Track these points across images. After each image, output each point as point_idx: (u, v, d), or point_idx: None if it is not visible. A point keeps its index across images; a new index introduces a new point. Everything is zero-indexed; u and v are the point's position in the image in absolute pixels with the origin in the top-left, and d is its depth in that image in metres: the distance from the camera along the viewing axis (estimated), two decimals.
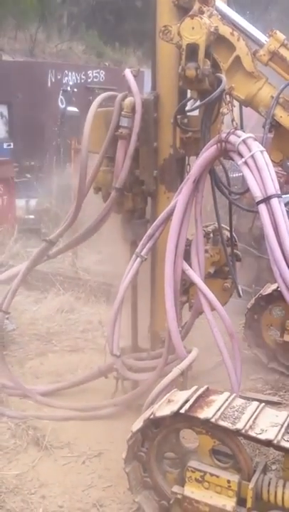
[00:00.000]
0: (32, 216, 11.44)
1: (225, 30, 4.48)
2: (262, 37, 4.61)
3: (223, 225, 4.99)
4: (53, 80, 14.47)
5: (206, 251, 4.94)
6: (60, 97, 14.38)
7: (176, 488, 3.57)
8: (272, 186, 4.05)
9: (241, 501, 3.35)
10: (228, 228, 5.12)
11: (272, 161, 4.25)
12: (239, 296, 5.22)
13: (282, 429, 3.29)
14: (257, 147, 4.16)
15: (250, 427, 3.29)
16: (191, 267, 4.57)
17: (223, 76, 4.40)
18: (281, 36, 4.49)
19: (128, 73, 4.88)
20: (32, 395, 5.36)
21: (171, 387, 4.08)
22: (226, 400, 3.54)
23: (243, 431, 3.25)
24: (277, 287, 5.54)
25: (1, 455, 4.57)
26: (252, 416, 3.39)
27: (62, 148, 12.82)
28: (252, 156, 4.12)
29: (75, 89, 14.65)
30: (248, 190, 4.26)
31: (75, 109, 13.81)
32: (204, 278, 4.68)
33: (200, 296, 4.55)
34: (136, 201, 5.10)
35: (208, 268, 4.97)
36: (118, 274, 5.00)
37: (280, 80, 4.55)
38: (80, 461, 4.54)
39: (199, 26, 4.18)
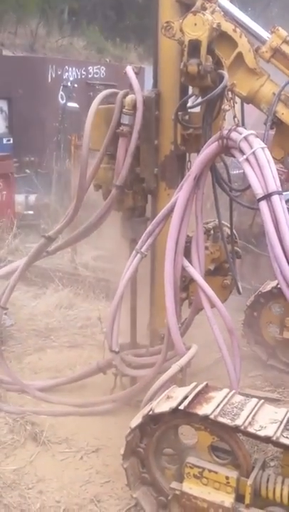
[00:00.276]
0: (31, 212, 11.41)
1: (227, 27, 4.48)
2: (264, 33, 4.62)
3: (223, 222, 4.98)
4: (54, 76, 14.42)
5: (206, 248, 4.94)
6: (61, 92, 14.34)
7: (174, 484, 3.57)
8: (274, 183, 4.05)
9: (240, 497, 3.35)
10: (229, 225, 5.12)
11: (273, 158, 4.25)
12: (239, 293, 5.22)
13: (282, 426, 3.28)
14: (258, 144, 4.15)
15: (250, 423, 3.29)
16: (191, 264, 4.57)
17: (225, 73, 4.40)
18: (283, 33, 4.49)
19: (129, 70, 4.87)
20: (30, 391, 5.36)
21: (170, 383, 4.08)
22: (225, 396, 3.55)
23: (242, 427, 3.25)
24: (277, 284, 5.55)
25: None
26: (251, 412, 3.39)
27: (63, 144, 12.79)
28: (253, 153, 4.12)
29: (76, 85, 14.60)
30: (249, 187, 4.26)
31: (75, 105, 13.76)
32: (204, 275, 4.67)
33: (200, 293, 4.55)
34: (136, 199, 5.09)
35: (208, 265, 4.97)
36: (117, 271, 5.00)
37: (282, 77, 4.55)
38: (78, 456, 4.54)
39: (202, 23, 4.17)
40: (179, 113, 4.69)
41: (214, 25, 4.24)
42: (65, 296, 7.71)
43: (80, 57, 20.59)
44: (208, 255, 4.97)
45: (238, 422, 3.28)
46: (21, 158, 12.98)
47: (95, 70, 15.55)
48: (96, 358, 5.65)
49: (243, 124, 4.57)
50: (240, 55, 4.54)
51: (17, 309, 7.29)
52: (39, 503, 4.01)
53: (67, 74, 14.74)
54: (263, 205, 4.05)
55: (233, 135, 4.22)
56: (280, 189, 4.08)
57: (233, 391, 3.67)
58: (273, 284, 5.86)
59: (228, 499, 3.36)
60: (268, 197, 4.04)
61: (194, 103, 4.67)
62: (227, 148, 4.32)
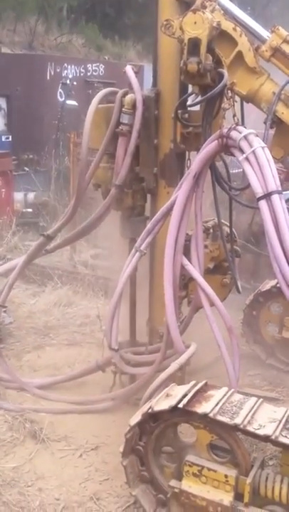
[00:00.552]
0: (30, 209, 11.41)
1: (227, 26, 4.48)
2: (264, 33, 4.62)
3: (222, 221, 4.98)
4: (52, 73, 14.41)
5: (206, 246, 4.95)
6: (60, 90, 14.33)
7: (173, 483, 3.58)
8: (273, 182, 4.05)
9: (239, 496, 3.36)
10: (228, 224, 5.12)
11: (273, 157, 4.25)
12: (238, 292, 5.22)
13: (281, 425, 3.29)
14: (258, 143, 4.15)
15: (249, 422, 3.30)
16: (190, 262, 4.57)
17: (224, 71, 4.40)
18: (284, 32, 4.49)
19: (129, 70, 4.86)
20: (29, 388, 5.37)
21: (170, 381, 4.08)
22: (225, 395, 3.55)
23: (241, 426, 3.26)
24: (276, 284, 5.56)
25: None
26: (250, 411, 3.39)
27: (61, 142, 12.78)
28: (253, 152, 4.12)
29: (75, 83, 14.60)
30: (248, 186, 4.26)
31: (74, 103, 13.76)
32: (203, 273, 4.68)
33: (199, 292, 4.55)
34: (135, 198, 5.10)
35: (207, 263, 4.98)
36: (116, 269, 5.00)
37: (282, 76, 4.55)
38: (77, 454, 4.56)
39: (201, 21, 4.16)
40: (179, 111, 4.69)
41: (214, 24, 4.23)
42: (64, 294, 7.72)
43: (78, 54, 20.55)
44: (207, 254, 4.97)
45: (237, 420, 3.29)
46: (20, 155, 12.97)
47: (93, 68, 15.55)
48: (95, 356, 5.67)
49: (242, 123, 4.58)
50: (240, 54, 4.54)
51: (16, 307, 7.30)
52: (38, 501, 4.02)
53: (66, 71, 14.74)
54: (263, 205, 4.05)
55: (233, 134, 4.22)
56: (280, 188, 4.08)
57: (232, 390, 3.67)
58: (273, 283, 5.87)
59: (227, 497, 3.37)
60: (267, 196, 4.04)
61: (194, 101, 4.66)
62: (227, 147, 4.32)
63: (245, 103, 4.75)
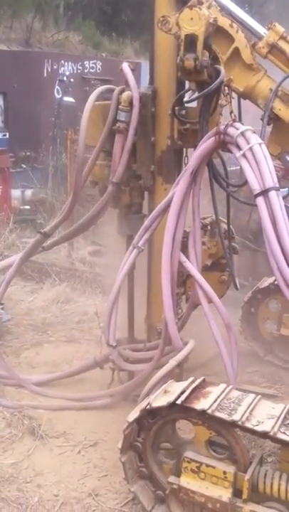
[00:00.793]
0: (28, 207, 11.40)
1: (224, 22, 4.48)
2: (261, 29, 4.61)
3: (220, 218, 4.98)
4: (49, 70, 14.38)
5: (204, 243, 4.95)
6: (57, 87, 14.31)
7: (172, 479, 3.59)
8: (271, 179, 4.04)
9: (237, 492, 3.37)
10: (226, 221, 5.12)
11: (270, 154, 4.25)
12: (236, 288, 5.22)
13: (279, 421, 3.30)
14: (255, 140, 4.15)
15: (247, 418, 3.30)
16: (188, 259, 4.57)
17: (221, 68, 4.40)
18: (280, 29, 4.49)
19: (126, 67, 4.85)
20: (27, 385, 5.37)
21: (168, 378, 4.09)
22: (223, 391, 3.56)
23: (240, 422, 3.27)
24: (274, 281, 5.55)
25: None
26: (248, 408, 3.40)
27: (59, 139, 12.77)
28: (250, 149, 4.11)
29: (72, 80, 14.58)
30: (246, 182, 4.26)
31: (71, 100, 13.74)
32: (201, 270, 4.68)
33: (197, 288, 4.55)
34: (133, 196, 5.09)
35: (205, 260, 4.98)
36: (114, 266, 5.00)
37: (279, 73, 4.55)
38: (76, 450, 4.57)
39: (198, 17, 4.16)
40: (176, 108, 4.68)
41: (211, 20, 4.23)
42: (62, 291, 7.72)
43: (75, 51, 20.52)
44: (205, 251, 4.97)
45: (236, 417, 3.29)
46: (17, 152, 12.95)
47: (90, 65, 15.52)
48: (93, 352, 5.67)
49: (239, 120, 4.58)
50: (236, 51, 4.54)
51: (14, 304, 7.30)
52: (37, 497, 4.04)
53: (63, 68, 14.71)
54: (260, 201, 4.04)
55: (230, 130, 4.21)
56: (277, 185, 4.08)
57: (231, 386, 3.68)
58: (271, 280, 5.87)
59: (225, 494, 3.37)
60: (265, 193, 4.03)
61: (191, 98, 4.66)
62: (224, 144, 4.31)
63: (242, 100, 4.75)
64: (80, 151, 4.92)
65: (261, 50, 4.54)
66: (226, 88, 4.46)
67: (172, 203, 4.48)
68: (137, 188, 5.06)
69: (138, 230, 4.74)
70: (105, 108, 4.89)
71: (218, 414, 3.33)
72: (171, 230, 4.46)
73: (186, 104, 4.72)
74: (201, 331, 4.74)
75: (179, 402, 3.42)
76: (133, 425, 3.65)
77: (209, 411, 3.32)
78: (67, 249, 9.02)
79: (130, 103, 4.76)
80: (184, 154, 4.94)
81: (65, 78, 14.59)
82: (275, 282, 4.92)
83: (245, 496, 3.33)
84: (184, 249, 4.60)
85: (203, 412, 3.34)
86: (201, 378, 3.71)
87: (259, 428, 3.25)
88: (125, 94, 4.77)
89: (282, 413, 3.39)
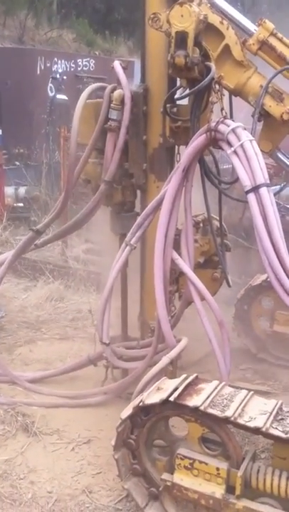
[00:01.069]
0: (21, 204, 11.37)
1: (214, 19, 4.48)
2: (251, 26, 4.61)
3: (212, 215, 4.99)
4: (42, 68, 14.33)
5: (196, 241, 4.96)
6: (50, 84, 14.28)
7: (165, 476, 3.60)
8: (262, 175, 4.04)
9: (230, 489, 3.39)
10: (218, 218, 5.12)
11: (261, 151, 4.25)
12: (229, 286, 5.22)
13: (271, 417, 3.31)
14: (246, 136, 4.15)
15: (239, 414, 3.32)
16: (180, 257, 4.58)
17: (212, 64, 4.40)
18: (270, 25, 4.48)
19: (117, 65, 4.85)
20: (20, 382, 5.37)
21: (161, 375, 4.10)
22: (215, 388, 3.57)
23: (232, 418, 3.28)
24: (267, 278, 5.56)
25: None
26: (241, 404, 3.41)
27: (52, 136, 12.75)
28: (241, 145, 4.12)
29: (65, 77, 14.55)
30: (237, 179, 4.27)
31: (64, 97, 13.72)
32: (194, 268, 4.69)
33: (189, 286, 4.56)
34: (125, 194, 5.09)
35: (197, 258, 4.98)
36: (108, 263, 5.00)
37: (270, 70, 4.55)
38: (70, 447, 4.57)
39: (188, 14, 4.16)
40: (168, 105, 4.68)
41: (201, 17, 4.22)
42: (55, 289, 7.72)
43: (69, 49, 20.46)
44: (197, 248, 4.98)
45: (228, 413, 3.31)
46: (11, 149, 12.92)
47: (84, 63, 15.48)
48: (87, 350, 5.68)
49: (231, 117, 4.58)
50: (227, 48, 4.53)
51: (8, 301, 7.30)
52: (30, 494, 4.04)
53: (56, 66, 14.66)
54: (251, 198, 4.04)
55: (221, 127, 4.22)
56: (268, 181, 4.09)
57: (223, 383, 3.69)
58: (263, 277, 5.87)
59: (218, 490, 3.39)
60: (256, 189, 4.03)
61: (182, 95, 4.66)
62: (215, 141, 4.31)
63: (235, 97, 4.76)
64: (72, 149, 4.92)
65: (251, 46, 4.53)
66: (217, 85, 4.45)
67: (164, 200, 4.48)
68: (129, 187, 5.06)
69: (130, 228, 4.74)
70: (97, 106, 4.89)
71: (210, 410, 3.34)
72: (163, 228, 4.47)
73: (177, 102, 4.72)
74: (194, 328, 4.75)
75: (171, 399, 3.43)
76: (126, 422, 3.66)
77: (202, 407, 3.34)
78: (61, 246, 9.01)
79: (122, 101, 4.75)
80: (176, 152, 4.94)
81: (58, 76, 14.55)
82: (268, 279, 4.93)
83: (238, 492, 3.35)
84: (177, 246, 4.60)
85: (196, 408, 3.35)
86: (194, 375, 3.72)
87: (251, 424, 3.26)
88: (117, 93, 4.77)
89: (274, 409, 3.40)
